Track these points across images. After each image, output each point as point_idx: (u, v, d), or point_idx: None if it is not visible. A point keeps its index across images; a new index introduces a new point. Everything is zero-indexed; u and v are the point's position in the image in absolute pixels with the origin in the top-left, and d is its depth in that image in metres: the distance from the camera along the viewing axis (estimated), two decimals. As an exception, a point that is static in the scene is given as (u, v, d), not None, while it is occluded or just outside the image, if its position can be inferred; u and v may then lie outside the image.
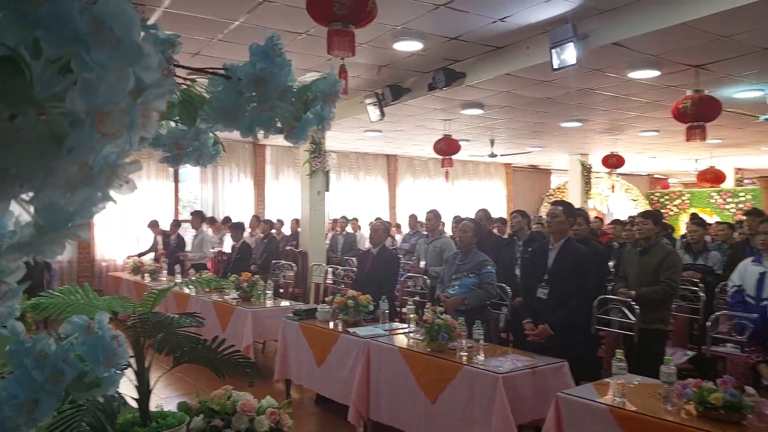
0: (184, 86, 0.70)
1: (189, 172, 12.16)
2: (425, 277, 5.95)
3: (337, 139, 10.80)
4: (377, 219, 6.64)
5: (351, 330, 4.29)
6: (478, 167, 15.21)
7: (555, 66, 5.32)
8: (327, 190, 8.93)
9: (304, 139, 0.71)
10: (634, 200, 16.19)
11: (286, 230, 10.44)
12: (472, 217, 6.20)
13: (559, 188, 15.64)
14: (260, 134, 0.74)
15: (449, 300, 4.35)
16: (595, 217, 9.49)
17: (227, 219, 9.93)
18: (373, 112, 7.39)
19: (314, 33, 5.34)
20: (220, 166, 11.55)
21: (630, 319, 4.33)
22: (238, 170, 11.78)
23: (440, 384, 3.49)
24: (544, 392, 3.29)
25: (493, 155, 11.64)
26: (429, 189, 14.25)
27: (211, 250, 8.98)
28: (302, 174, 9.38)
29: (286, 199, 11.87)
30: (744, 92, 7.03)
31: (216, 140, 0.91)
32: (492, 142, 11.22)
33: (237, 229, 8.18)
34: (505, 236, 8.65)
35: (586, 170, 13.42)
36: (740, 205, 14.34)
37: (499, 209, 15.01)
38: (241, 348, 5.02)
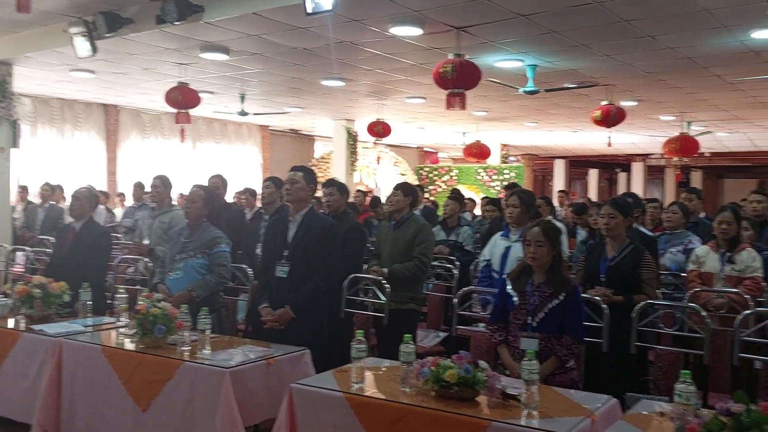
0: None
1: None
2: (147, 260, 5.74)
3: (31, 78, 9.71)
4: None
5: (37, 327, 4.00)
6: (227, 128, 15.08)
7: (309, 10, 5.46)
8: (15, 146, 8.05)
9: None
10: (403, 174, 17.57)
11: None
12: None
13: (323, 158, 16.25)
14: None
15: (174, 297, 4.22)
16: (357, 191, 10.09)
17: None
18: (82, 45, 6.81)
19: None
20: None
21: (381, 299, 4.73)
22: None
23: (154, 387, 3.44)
24: (280, 386, 3.40)
25: (244, 113, 11.63)
26: (163, 151, 13.74)
27: None
28: (-22, 123, 8.30)
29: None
30: (505, 61, 8.07)
31: None
32: (243, 98, 11.19)
33: None
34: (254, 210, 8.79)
35: (352, 138, 14.17)
36: (505, 183, 16.53)
37: (254, 179, 15.09)
38: None
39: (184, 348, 3.56)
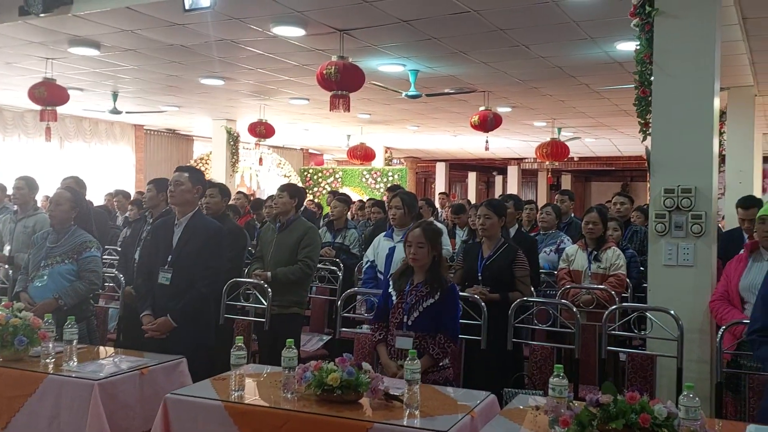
0: None
1: None
2: (7, 267, 5.37)
3: None
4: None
5: None
6: (98, 127, 14.33)
7: (186, 6, 5.35)
8: None
9: None
10: (287, 176, 17.40)
11: None
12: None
13: (202, 158, 15.80)
14: None
15: (38, 306, 3.98)
16: (239, 192, 9.86)
17: None
18: (-69, 33, 6.25)
19: None
20: None
21: (263, 304, 4.64)
22: None
23: (14, 403, 3.21)
24: (154, 397, 3.28)
25: (116, 112, 11.12)
26: (27, 151, 12.87)
27: None
28: None
29: None
30: (387, 65, 8.16)
31: None
32: (115, 96, 10.68)
33: None
34: (127, 214, 8.40)
35: (233, 139, 13.86)
36: (389, 185, 16.76)
37: (126, 180, 14.48)
38: None
39: (49, 360, 3.35)
